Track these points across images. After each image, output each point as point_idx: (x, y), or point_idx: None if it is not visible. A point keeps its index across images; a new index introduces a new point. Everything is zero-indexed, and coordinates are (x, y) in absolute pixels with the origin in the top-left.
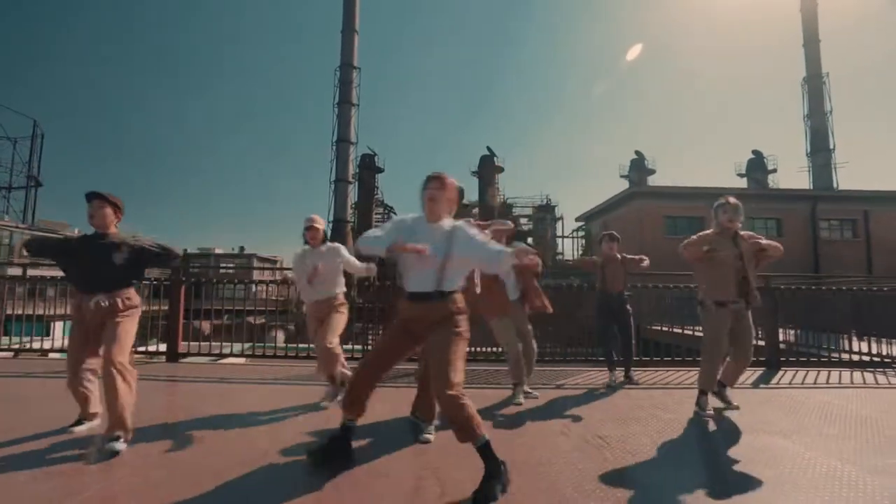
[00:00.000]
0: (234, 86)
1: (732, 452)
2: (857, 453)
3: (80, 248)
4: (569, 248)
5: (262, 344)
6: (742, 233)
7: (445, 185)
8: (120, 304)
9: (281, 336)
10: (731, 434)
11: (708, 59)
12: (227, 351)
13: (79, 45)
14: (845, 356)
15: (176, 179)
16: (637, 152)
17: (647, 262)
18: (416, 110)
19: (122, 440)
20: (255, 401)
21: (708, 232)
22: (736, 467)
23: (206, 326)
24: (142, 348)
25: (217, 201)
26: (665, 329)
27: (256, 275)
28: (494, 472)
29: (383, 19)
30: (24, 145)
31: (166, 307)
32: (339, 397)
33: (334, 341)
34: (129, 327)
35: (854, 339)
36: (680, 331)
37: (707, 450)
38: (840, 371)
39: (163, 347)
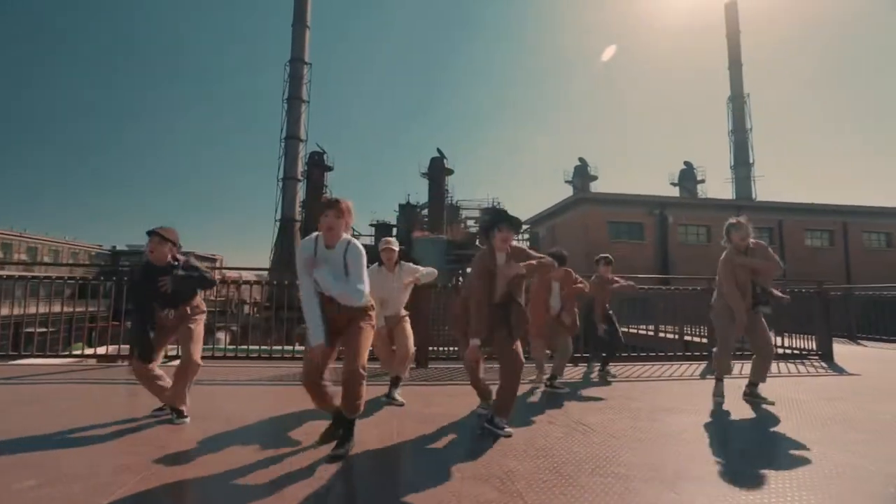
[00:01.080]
0: (176, 77)
1: (699, 434)
2: (796, 429)
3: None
4: None
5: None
6: (753, 243)
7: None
8: (189, 311)
9: (225, 337)
10: (696, 418)
11: (647, 73)
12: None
13: (9, 36)
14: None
15: (108, 174)
16: (581, 159)
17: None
18: (367, 109)
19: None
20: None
21: (730, 258)
22: (710, 446)
23: None
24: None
25: (152, 196)
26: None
27: None
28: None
29: (336, 15)
30: None
31: (94, 308)
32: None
33: (409, 344)
34: (199, 329)
35: (772, 334)
36: (626, 329)
37: (676, 431)
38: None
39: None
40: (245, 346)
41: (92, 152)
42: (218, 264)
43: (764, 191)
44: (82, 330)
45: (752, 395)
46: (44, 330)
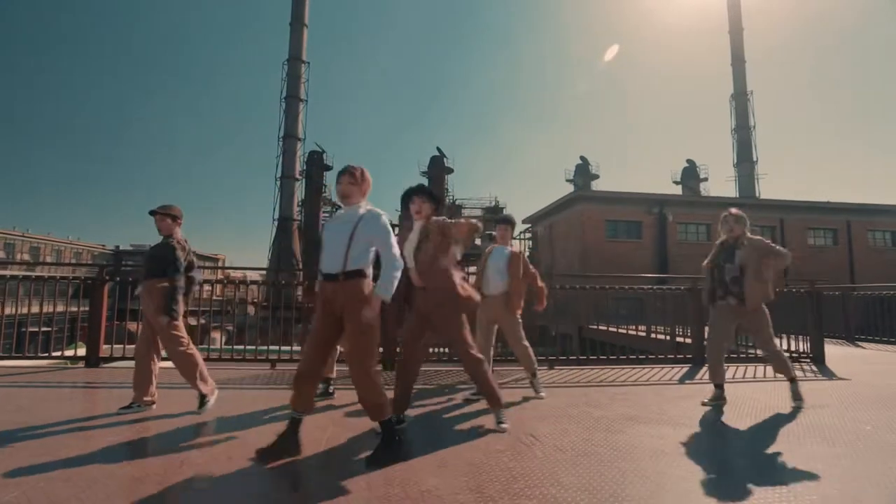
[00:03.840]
0: (176, 76)
1: (655, 447)
2: (764, 442)
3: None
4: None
5: (204, 347)
6: (751, 237)
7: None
8: (156, 294)
9: (221, 337)
10: (658, 429)
11: (650, 72)
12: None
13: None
14: (760, 352)
15: (108, 173)
16: (582, 157)
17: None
18: (367, 108)
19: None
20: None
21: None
22: (660, 462)
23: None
24: (58, 353)
25: (153, 196)
26: (603, 328)
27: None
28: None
29: (333, 14)
30: None
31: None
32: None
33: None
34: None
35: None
36: (616, 330)
37: (631, 445)
38: (756, 366)
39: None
40: (241, 346)
41: (92, 153)
42: (220, 264)
43: (768, 189)
44: (83, 330)
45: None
46: (48, 329)
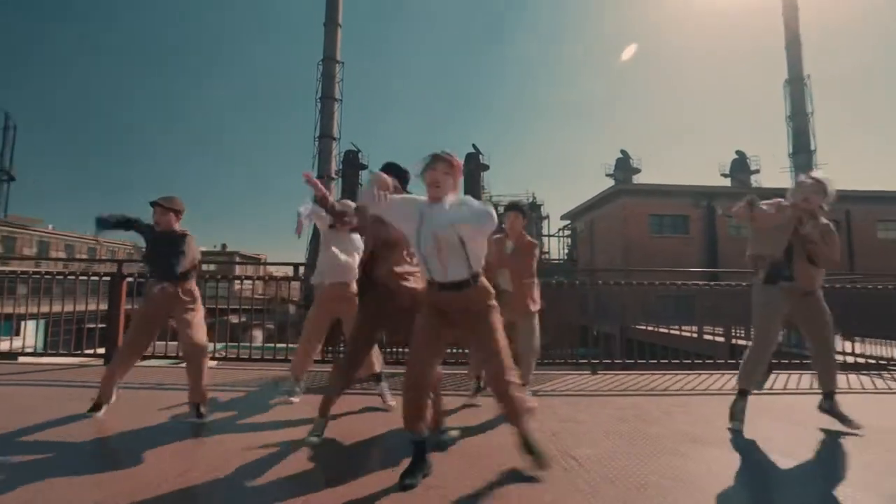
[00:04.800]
0: (215, 80)
1: (729, 477)
2: (882, 476)
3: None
4: (555, 247)
5: (235, 345)
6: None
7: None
8: (181, 295)
9: (259, 335)
10: (731, 454)
11: (694, 61)
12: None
13: (54, 38)
14: (838, 358)
15: (154, 174)
16: (622, 151)
17: None
18: (401, 106)
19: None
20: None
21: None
22: (743, 501)
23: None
24: (90, 351)
25: (196, 197)
26: (651, 329)
27: (239, 272)
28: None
29: (367, 13)
30: None
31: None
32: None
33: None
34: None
35: (839, 339)
36: (664, 330)
37: (697, 474)
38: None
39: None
40: (283, 345)
41: (131, 154)
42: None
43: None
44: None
45: (831, 412)
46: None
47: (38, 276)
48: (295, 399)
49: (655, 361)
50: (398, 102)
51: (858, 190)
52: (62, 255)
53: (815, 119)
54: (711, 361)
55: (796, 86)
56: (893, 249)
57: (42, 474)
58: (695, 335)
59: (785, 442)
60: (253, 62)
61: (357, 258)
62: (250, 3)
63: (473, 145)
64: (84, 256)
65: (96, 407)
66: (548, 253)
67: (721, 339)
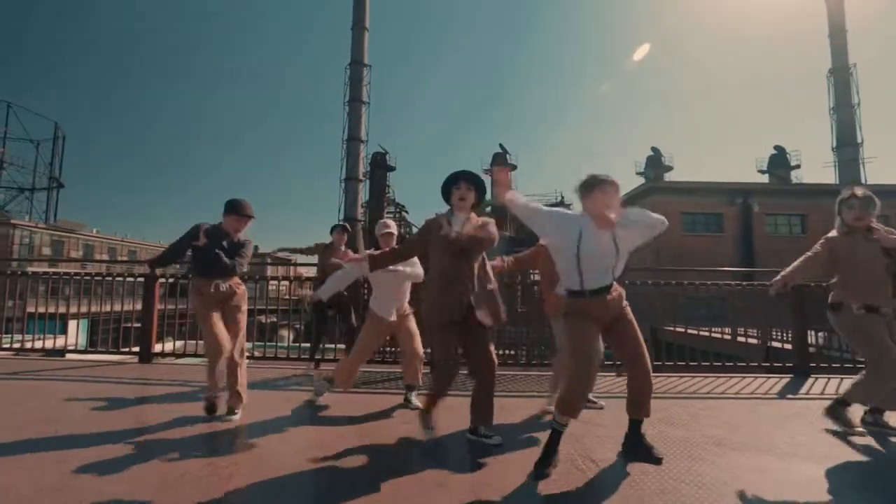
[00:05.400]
0: (245, 84)
1: (754, 483)
2: None
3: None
4: None
5: (261, 343)
6: (876, 227)
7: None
8: (234, 290)
9: (289, 336)
10: (756, 458)
11: (729, 53)
12: None
13: (98, 50)
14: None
15: (190, 179)
16: (653, 149)
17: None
18: (428, 108)
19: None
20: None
21: (830, 236)
22: None
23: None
24: (126, 349)
25: (221, 197)
26: (679, 330)
27: (270, 272)
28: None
29: (395, 16)
30: (47, 147)
31: (182, 306)
32: None
33: (415, 344)
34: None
35: None
36: (696, 332)
37: (720, 480)
38: None
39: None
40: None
41: (165, 159)
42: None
43: (875, 175)
44: (172, 326)
45: (875, 423)
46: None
47: (78, 278)
48: (321, 399)
49: (684, 363)
50: (425, 103)
51: None
52: (105, 257)
53: (862, 110)
54: (744, 364)
55: (840, 75)
56: None
57: (72, 464)
58: (728, 337)
59: (815, 448)
60: (281, 65)
61: (404, 276)
62: (277, 8)
63: (500, 145)
64: (125, 258)
65: (227, 410)
66: None
67: (755, 340)
